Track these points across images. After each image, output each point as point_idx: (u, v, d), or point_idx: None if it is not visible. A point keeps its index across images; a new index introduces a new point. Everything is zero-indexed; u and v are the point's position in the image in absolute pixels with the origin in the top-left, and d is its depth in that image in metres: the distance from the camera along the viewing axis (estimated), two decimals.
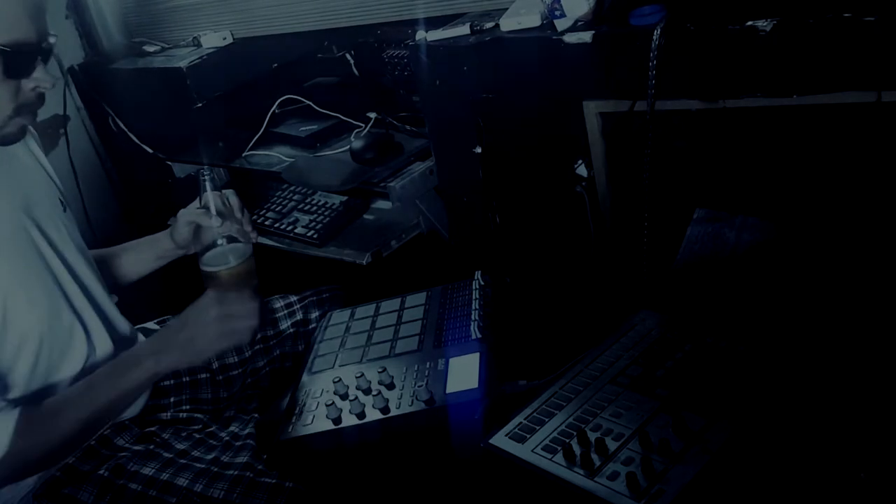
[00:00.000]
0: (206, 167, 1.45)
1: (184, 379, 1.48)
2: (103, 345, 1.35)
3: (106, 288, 1.44)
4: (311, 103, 2.17)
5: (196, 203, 1.44)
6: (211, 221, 1.40)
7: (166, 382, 1.47)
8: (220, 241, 1.41)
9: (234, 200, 1.44)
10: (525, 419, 1.19)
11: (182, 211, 1.48)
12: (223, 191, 1.45)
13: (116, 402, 1.25)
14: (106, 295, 1.43)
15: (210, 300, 1.29)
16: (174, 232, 1.51)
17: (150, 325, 1.59)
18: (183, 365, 1.30)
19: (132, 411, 1.36)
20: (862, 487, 0.99)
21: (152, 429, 1.34)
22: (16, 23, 1.15)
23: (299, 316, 1.66)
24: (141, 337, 1.48)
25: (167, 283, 2.00)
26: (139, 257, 1.60)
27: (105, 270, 1.53)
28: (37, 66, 1.20)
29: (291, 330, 1.64)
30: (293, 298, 1.69)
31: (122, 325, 1.44)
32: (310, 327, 1.66)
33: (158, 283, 1.72)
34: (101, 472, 1.24)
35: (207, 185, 1.41)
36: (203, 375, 1.50)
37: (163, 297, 2.02)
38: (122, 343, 1.40)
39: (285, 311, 1.66)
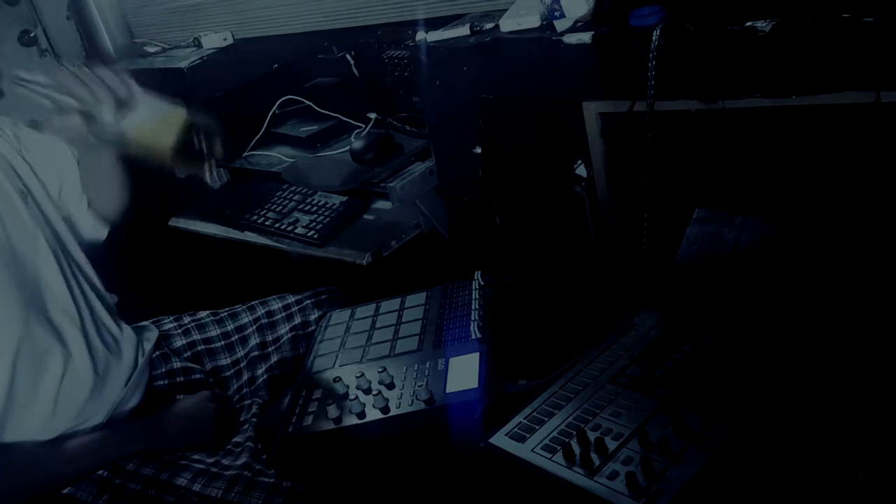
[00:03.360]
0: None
1: (178, 379, 1.48)
2: (79, 349, 1.33)
3: (93, 279, 1.42)
4: (311, 104, 2.18)
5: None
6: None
7: (160, 382, 1.47)
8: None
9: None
10: (525, 419, 1.19)
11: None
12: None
13: (90, 470, 1.25)
14: (91, 289, 1.40)
15: (205, 398, 1.39)
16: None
17: (146, 323, 1.58)
18: (172, 449, 1.31)
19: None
20: (862, 487, 0.99)
21: None
22: None
23: (298, 319, 1.65)
24: (129, 333, 1.47)
25: (167, 283, 2.01)
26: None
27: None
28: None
29: (290, 335, 1.62)
30: (291, 300, 1.68)
31: (108, 320, 1.43)
32: (309, 329, 1.65)
33: (158, 282, 1.73)
34: (101, 472, 1.24)
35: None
36: (196, 376, 1.50)
37: (161, 296, 2.03)
38: (110, 342, 1.39)
39: (283, 314, 1.65)
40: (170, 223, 2.19)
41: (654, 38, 1.31)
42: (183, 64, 2.19)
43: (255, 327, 1.62)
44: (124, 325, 1.47)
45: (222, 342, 1.60)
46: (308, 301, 1.69)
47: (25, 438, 1.25)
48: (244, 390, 1.54)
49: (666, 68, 1.33)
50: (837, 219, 1.34)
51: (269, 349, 1.60)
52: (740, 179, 1.45)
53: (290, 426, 1.32)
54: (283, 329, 1.63)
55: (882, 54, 1.17)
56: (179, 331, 1.60)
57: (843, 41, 1.19)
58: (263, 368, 1.57)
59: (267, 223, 1.98)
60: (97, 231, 1.54)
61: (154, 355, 1.50)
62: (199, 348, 1.58)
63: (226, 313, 1.65)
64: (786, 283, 1.33)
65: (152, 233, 2.30)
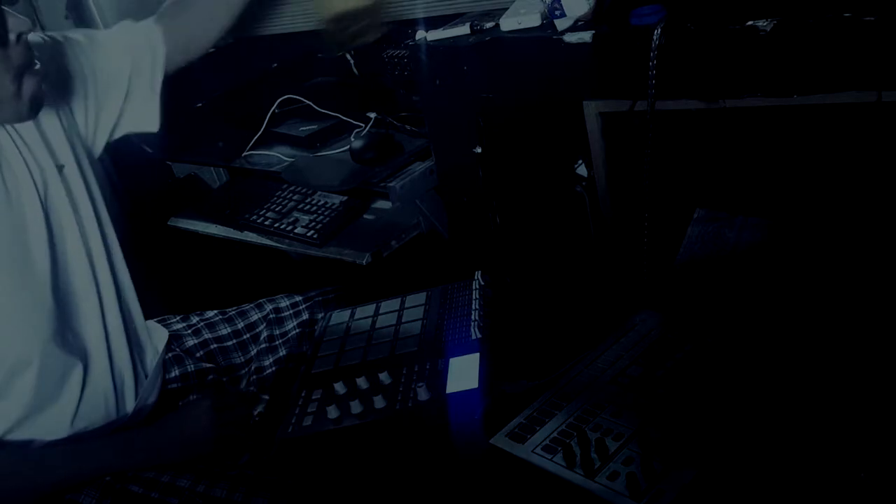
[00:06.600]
0: None
1: (192, 381, 1.48)
2: (101, 360, 1.32)
3: (127, 284, 1.40)
4: (311, 103, 2.17)
5: None
6: None
7: (174, 385, 1.47)
8: None
9: None
10: (525, 419, 1.19)
11: None
12: None
13: (87, 477, 1.23)
14: (121, 294, 1.39)
15: (204, 406, 1.33)
16: None
17: (151, 322, 1.58)
18: (174, 462, 1.29)
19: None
20: (862, 487, 0.98)
21: None
22: None
23: (305, 316, 1.66)
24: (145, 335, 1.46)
25: (166, 283, 2.00)
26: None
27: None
28: (5, 15, 1.12)
29: (297, 330, 1.64)
30: (299, 298, 1.68)
31: (137, 316, 1.42)
32: (315, 328, 1.66)
33: (157, 283, 1.72)
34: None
35: None
36: (210, 377, 1.50)
37: (161, 297, 2.02)
38: (134, 348, 1.38)
39: (291, 311, 1.66)
40: (169, 223, 2.19)
41: (654, 37, 1.31)
42: None
43: (264, 324, 1.62)
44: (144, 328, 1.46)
45: (234, 340, 1.61)
46: (315, 300, 1.69)
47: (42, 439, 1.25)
48: (253, 378, 1.54)
49: (667, 67, 1.33)
50: (839, 219, 1.34)
51: (277, 342, 1.61)
52: (741, 179, 1.45)
53: (289, 427, 1.31)
54: (291, 325, 1.64)
55: (883, 54, 1.17)
56: (189, 331, 1.59)
57: (845, 41, 1.19)
58: (271, 360, 1.58)
59: (266, 223, 1.98)
60: (152, 121, 1.55)
61: (167, 357, 1.49)
62: (212, 347, 1.58)
63: (234, 312, 1.65)
64: (787, 284, 1.33)
65: (151, 233, 2.29)
